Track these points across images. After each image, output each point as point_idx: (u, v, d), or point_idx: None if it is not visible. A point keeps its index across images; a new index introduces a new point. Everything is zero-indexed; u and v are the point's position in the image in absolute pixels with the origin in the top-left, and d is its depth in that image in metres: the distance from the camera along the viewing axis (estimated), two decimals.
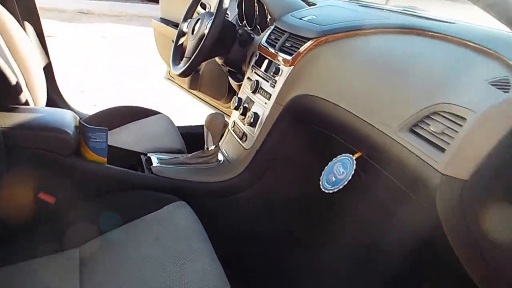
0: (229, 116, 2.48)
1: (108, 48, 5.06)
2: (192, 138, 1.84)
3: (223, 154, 1.44)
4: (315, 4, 1.60)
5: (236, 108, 1.47)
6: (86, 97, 3.56)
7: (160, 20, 2.78)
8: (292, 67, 1.27)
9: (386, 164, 1.01)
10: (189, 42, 1.65)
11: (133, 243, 1.06)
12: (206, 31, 1.54)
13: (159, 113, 1.90)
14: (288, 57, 1.30)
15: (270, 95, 1.32)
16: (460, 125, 0.79)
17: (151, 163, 1.39)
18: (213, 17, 1.47)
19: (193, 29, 1.64)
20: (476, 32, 1.05)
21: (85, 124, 1.22)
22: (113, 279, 0.96)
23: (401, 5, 1.58)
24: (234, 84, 1.78)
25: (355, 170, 1.07)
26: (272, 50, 1.39)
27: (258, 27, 1.66)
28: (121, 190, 1.26)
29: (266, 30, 1.56)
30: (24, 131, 1.13)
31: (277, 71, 1.31)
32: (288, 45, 1.33)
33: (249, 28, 1.71)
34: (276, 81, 1.32)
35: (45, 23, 1.88)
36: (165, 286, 0.92)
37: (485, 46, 0.92)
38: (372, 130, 1.01)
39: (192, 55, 1.59)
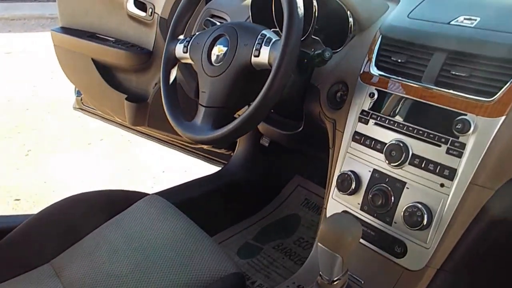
0: (199, 156, 1.86)
1: None
2: (198, 210, 1.15)
3: (355, 281, 0.80)
4: None
5: (353, 192, 0.83)
6: None
7: (61, 31, 1.91)
8: (503, 117, 0.69)
9: None
10: (203, 78, 0.95)
11: None
12: (259, 60, 0.85)
13: (144, 194, 1.14)
14: (486, 99, 0.70)
15: (455, 171, 0.72)
16: None
17: None
18: (285, 32, 0.80)
19: (209, 55, 0.94)
20: None
21: None
22: None
23: None
24: (272, 132, 1.11)
25: None
26: (408, 82, 0.79)
27: (317, 38, 1.02)
28: None
29: (352, 44, 0.94)
30: None
31: (465, 127, 0.71)
32: (462, 74, 0.74)
33: None
34: (463, 145, 0.71)
35: None
36: None
37: None
38: None
39: (222, 102, 0.91)
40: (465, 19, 0.81)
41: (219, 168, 1.63)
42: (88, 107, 2.08)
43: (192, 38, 0.99)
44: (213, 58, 0.93)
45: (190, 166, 2.24)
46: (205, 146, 1.68)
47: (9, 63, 3.93)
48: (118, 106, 1.79)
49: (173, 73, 1.04)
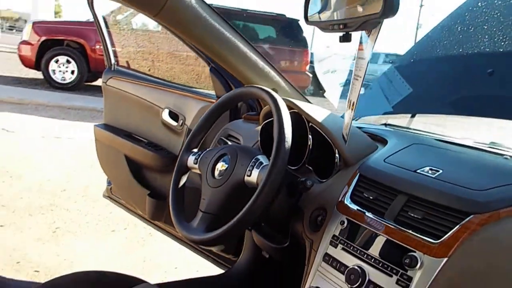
0: (207, 257, 1.95)
1: (14, 145, 4.18)
2: None
3: None
4: (385, 141, 1.17)
5: None
6: None
7: (103, 127, 2.17)
8: (445, 259, 0.78)
9: None
10: (207, 189, 1.09)
11: None
12: (251, 179, 1.01)
13: (141, 281, 1.25)
14: (433, 241, 0.81)
15: None
16: None
17: None
18: (272, 161, 0.95)
19: (213, 169, 1.10)
20: None
21: None
22: None
23: (478, 141, 1.22)
24: (265, 245, 1.22)
25: None
26: (378, 219, 0.90)
27: (310, 167, 1.17)
28: None
29: (338, 176, 1.07)
30: None
31: (412, 263, 0.81)
32: (417, 216, 0.85)
33: (290, 168, 1.21)
34: (410, 278, 0.81)
35: None
36: None
37: None
38: None
39: (217, 210, 1.05)
40: (430, 169, 0.94)
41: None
42: (116, 196, 2.26)
43: (203, 153, 1.17)
44: (216, 172, 1.09)
45: (202, 267, 2.32)
46: (214, 249, 1.78)
47: (56, 147, 4.28)
48: (141, 200, 1.96)
49: (183, 179, 1.20)
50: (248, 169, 1.02)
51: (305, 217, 1.07)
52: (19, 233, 2.55)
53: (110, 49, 2.17)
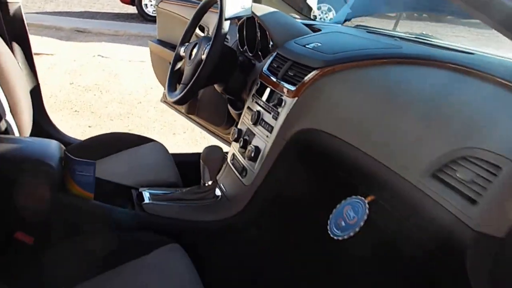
0: (229, 144, 2.44)
1: (106, 67, 4.97)
2: (188, 168, 1.72)
3: (221, 189, 1.33)
4: (320, 30, 1.51)
5: (236, 140, 1.37)
6: (81, 118, 3.46)
7: (157, 42, 2.70)
8: (296, 98, 1.18)
9: (405, 213, 0.91)
10: (186, 68, 1.55)
11: None
12: (203, 57, 1.45)
13: (152, 140, 1.80)
14: (292, 88, 1.20)
15: (272, 127, 1.22)
16: (495, 175, 0.69)
17: (143, 200, 1.27)
18: (211, 42, 1.38)
19: (190, 54, 1.55)
20: (502, 65, 0.96)
21: (70, 156, 1.12)
22: None
23: (413, 32, 1.50)
24: (233, 112, 1.68)
25: (368, 216, 0.97)
26: (274, 79, 1.30)
27: (260, 53, 1.57)
28: (108, 230, 1.15)
29: (268, 56, 1.46)
30: (0, 164, 1.03)
31: (279, 102, 1.21)
32: (291, 74, 1.24)
33: (250, 54, 1.61)
34: (278, 113, 1.22)
35: (42, 41, 1.78)
36: None
37: None
38: (388, 173, 0.91)
39: (189, 81, 1.50)
40: (315, 44, 1.29)
41: None
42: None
43: (187, 45, 1.62)
44: (192, 56, 1.54)
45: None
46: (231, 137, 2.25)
47: (139, 69, 5.00)
48: None
49: (178, 65, 1.67)
50: (204, 50, 1.46)
51: (247, 87, 1.50)
52: (101, 132, 3.27)
53: None
